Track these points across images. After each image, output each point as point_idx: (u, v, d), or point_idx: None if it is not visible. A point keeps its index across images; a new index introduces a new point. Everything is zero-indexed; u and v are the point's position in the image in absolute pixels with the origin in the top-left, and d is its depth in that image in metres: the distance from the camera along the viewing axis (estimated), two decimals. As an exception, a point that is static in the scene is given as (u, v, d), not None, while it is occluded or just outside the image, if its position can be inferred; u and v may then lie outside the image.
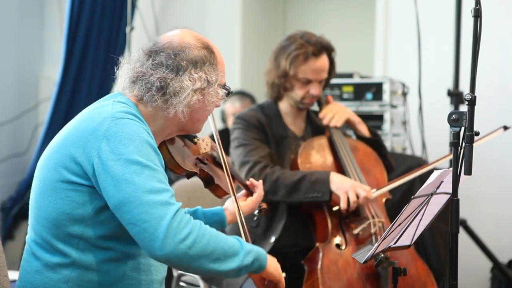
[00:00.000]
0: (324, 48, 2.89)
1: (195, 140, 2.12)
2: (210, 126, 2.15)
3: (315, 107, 3.09)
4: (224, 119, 5.01)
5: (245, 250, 1.82)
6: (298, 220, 2.85)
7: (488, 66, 4.28)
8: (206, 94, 1.94)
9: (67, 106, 4.85)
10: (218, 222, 2.21)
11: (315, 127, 3.04)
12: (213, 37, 6.51)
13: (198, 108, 1.94)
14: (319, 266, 2.61)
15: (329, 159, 2.90)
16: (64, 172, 1.81)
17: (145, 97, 1.89)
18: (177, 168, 2.02)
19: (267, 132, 2.91)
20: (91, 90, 4.94)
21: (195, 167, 2.07)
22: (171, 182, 3.47)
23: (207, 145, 2.12)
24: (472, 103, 1.84)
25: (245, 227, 2.08)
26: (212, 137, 2.19)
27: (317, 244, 2.69)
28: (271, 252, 2.79)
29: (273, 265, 1.90)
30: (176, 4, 5.67)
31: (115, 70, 1.99)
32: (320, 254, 2.64)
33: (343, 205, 2.65)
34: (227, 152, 3.04)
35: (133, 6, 4.80)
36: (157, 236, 1.69)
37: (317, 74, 2.87)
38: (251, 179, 2.30)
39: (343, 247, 2.68)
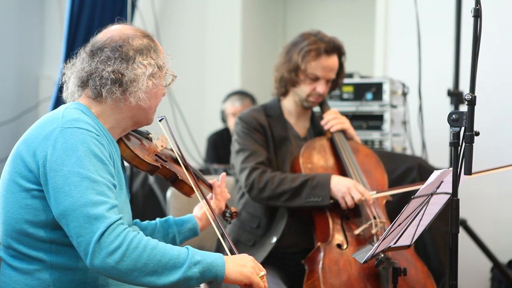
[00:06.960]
0: (336, 49, 2.92)
1: (150, 136, 2.20)
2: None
3: (317, 109, 3.09)
4: (224, 119, 5.01)
5: (190, 261, 1.75)
6: (299, 221, 2.85)
7: (488, 66, 4.29)
8: (159, 78, 1.98)
9: (67, 106, 4.84)
10: (191, 229, 2.23)
11: (317, 129, 3.05)
12: (213, 37, 6.54)
13: (154, 93, 1.97)
14: (320, 265, 2.61)
15: (330, 160, 2.90)
16: (20, 181, 1.82)
17: (103, 93, 1.91)
18: (140, 164, 2.06)
19: (268, 135, 2.91)
20: (91, 90, 4.93)
21: (156, 162, 2.11)
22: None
23: (163, 141, 2.20)
24: (472, 103, 1.84)
25: (218, 222, 2.06)
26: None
27: (319, 244, 2.69)
28: (272, 252, 2.79)
29: (237, 270, 1.82)
30: (176, 4, 5.66)
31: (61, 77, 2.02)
32: (322, 254, 2.64)
33: (343, 207, 2.71)
34: (229, 153, 3.03)
35: (133, 6, 4.80)
36: (88, 250, 1.70)
37: (326, 72, 2.89)
38: (214, 179, 2.31)
39: (344, 247, 2.68)
